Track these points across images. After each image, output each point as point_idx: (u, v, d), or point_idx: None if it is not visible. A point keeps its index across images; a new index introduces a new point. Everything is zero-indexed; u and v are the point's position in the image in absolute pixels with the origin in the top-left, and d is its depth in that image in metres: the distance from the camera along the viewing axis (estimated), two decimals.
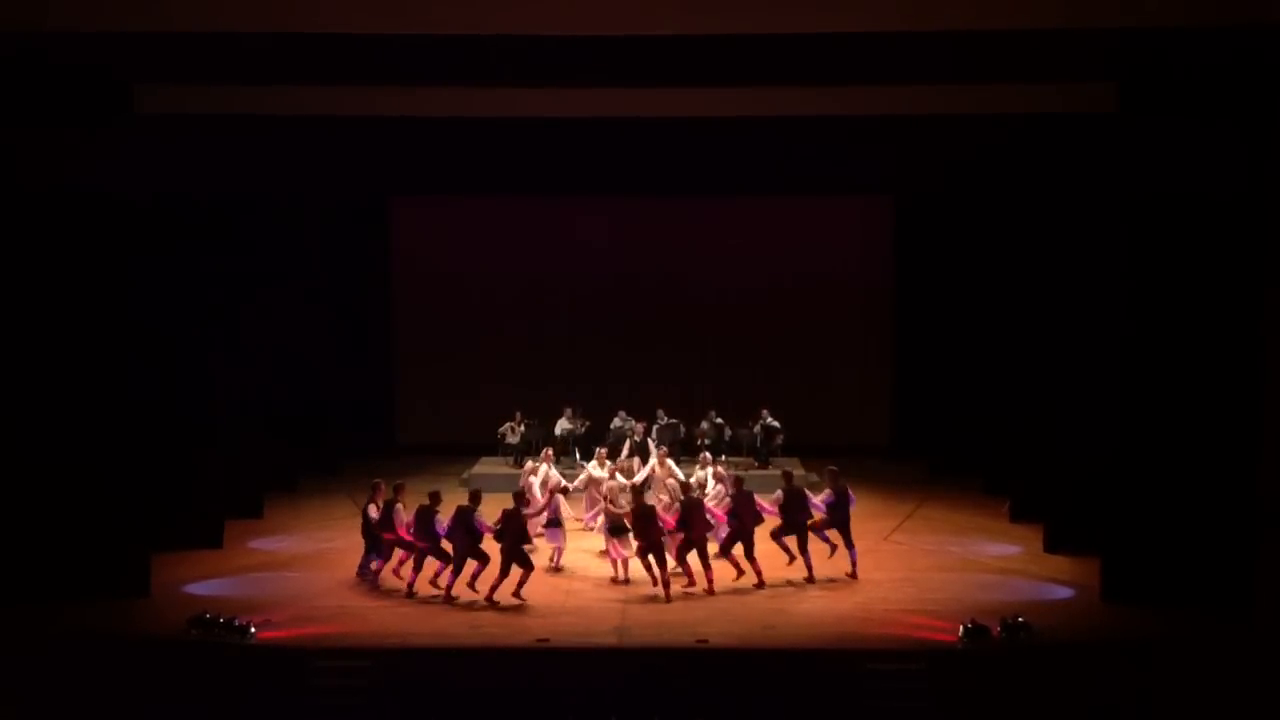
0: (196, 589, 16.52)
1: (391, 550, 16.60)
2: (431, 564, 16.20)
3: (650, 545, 16.03)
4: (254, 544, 18.99)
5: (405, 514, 16.35)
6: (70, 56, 14.57)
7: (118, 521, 16.05)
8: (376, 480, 17.04)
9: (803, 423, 23.42)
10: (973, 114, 17.30)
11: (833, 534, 16.98)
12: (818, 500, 16.88)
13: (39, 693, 14.00)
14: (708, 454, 19.29)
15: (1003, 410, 21.19)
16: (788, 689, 13.89)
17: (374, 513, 16.59)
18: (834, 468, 17.53)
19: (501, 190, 23.33)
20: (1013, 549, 18.72)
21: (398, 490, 16.67)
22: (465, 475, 22.34)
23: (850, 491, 17.07)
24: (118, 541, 16.01)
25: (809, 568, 16.77)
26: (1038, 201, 19.56)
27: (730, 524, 16.47)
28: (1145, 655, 14.26)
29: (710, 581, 16.22)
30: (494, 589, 15.70)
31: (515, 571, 15.72)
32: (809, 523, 16.88)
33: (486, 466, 23.00)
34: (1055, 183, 18.65)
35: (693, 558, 16.25)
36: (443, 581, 15.97)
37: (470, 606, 15.65)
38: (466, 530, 15.70)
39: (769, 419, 22.74)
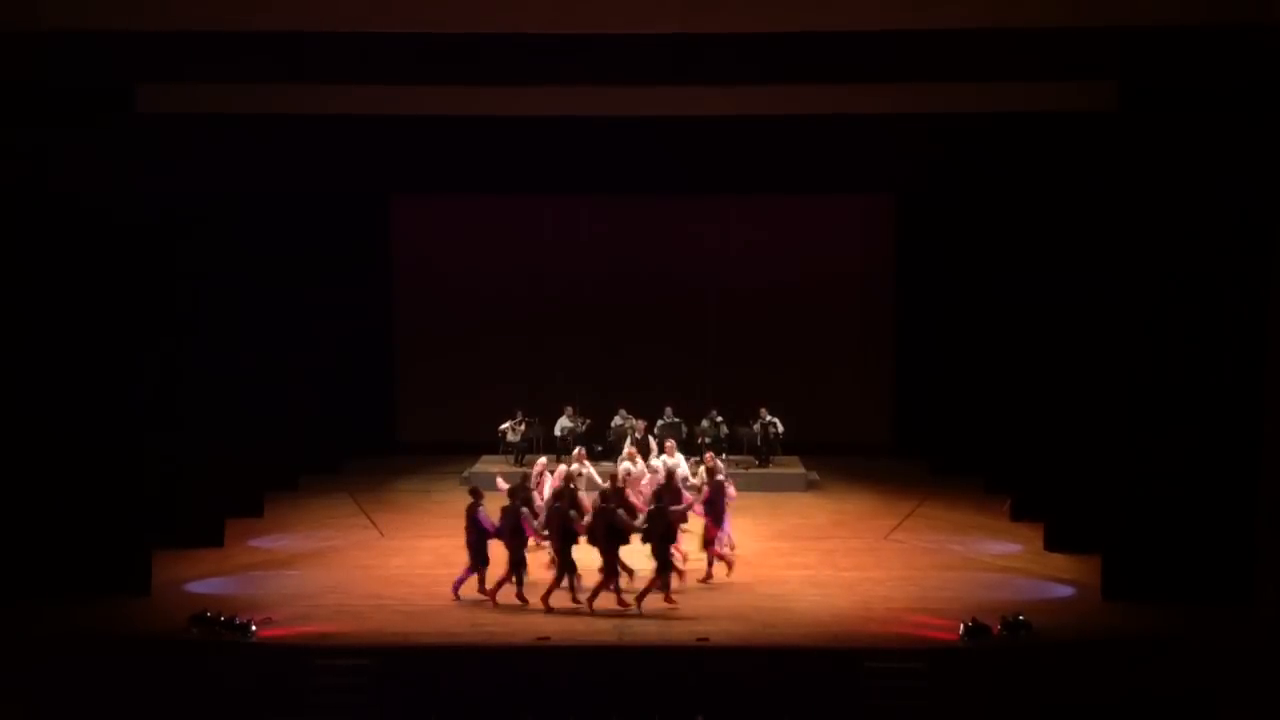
0: (197, 587, 16.53)
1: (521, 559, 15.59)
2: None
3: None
4: (254, 542, 18.97)
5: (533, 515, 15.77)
6: (70, 56, 14.55)
7: (118, 519, 16.05)
8: (474, 486, 16.46)
9: (804, 421, 23.44)
10: (973, 112, 17.31)
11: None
12: (693, 497, 16.66)
13: (39, 692, 14.01)
14: (711, 453, 19.26)
15: (1004, 409, 21.16)
16: (788, 687, 13.89)
17: (490, 518, 15.67)
18: (717, 463, 17.39)
19: (502, 188, 23.32)
20: (1013, 547, 18.71)
21: (514, 494, 15.88)
22: (465, 473, 22.34)
23: (729, 488, 16.83)
24: (118, 539, 16.02)
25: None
26: (1038, 200, 19.54)
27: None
28: (1145, 653, 14.27)
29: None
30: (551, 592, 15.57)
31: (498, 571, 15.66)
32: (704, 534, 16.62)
33: (487, 465, 22.98)
34: (1056, 181, 18.67)
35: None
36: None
37: (474, 605, 15.64)
38: (515, 530, 15.60)
39: (768, 417, 22.75)
